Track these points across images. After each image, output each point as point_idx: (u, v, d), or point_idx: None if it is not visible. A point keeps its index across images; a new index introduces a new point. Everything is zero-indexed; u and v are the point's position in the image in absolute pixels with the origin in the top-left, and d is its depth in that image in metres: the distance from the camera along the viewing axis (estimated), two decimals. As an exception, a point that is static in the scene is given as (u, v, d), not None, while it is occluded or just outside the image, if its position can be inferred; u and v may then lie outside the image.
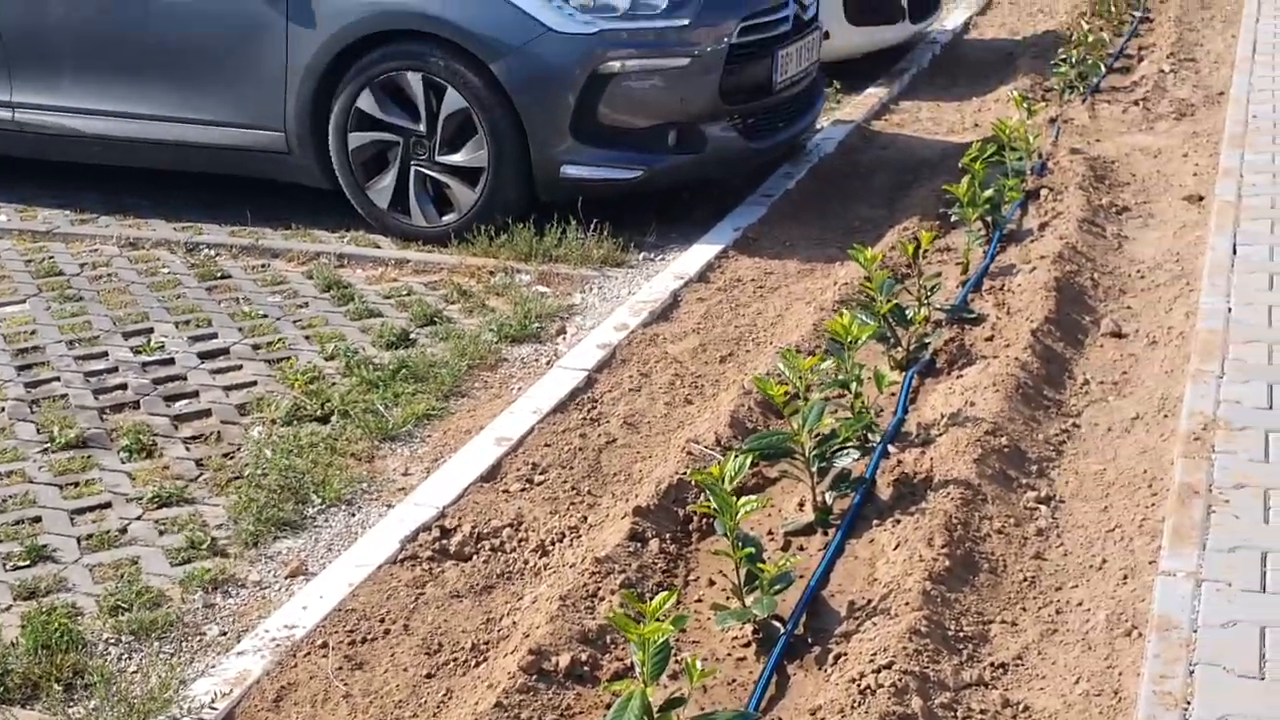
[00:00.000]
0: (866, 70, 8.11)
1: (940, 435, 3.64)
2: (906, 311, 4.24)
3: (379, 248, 5.47)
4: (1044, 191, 5.69)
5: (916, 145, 6.82)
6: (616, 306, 4.79)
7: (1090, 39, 7.72)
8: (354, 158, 5.47)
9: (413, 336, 4.60)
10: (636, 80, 5.30)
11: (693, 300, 4.84)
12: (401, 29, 5.31)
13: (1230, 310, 4.25)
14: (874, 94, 7.62)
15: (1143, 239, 5.28)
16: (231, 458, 3.84)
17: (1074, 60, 7.51)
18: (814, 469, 3.37)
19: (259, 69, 5.48)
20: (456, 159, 5.37)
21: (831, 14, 7.59)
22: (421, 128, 5.37)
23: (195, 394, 4.23)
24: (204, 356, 4.49)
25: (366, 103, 5.39)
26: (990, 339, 4.31)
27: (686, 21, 5.33)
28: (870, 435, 3.65)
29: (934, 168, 6.32)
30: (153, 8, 5.58)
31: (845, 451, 3.42)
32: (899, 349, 4.21)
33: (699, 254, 5.25)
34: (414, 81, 5.33)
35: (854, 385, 3.64)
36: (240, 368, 4.41)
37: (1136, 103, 7.05)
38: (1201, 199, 5.53)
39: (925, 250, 4.89)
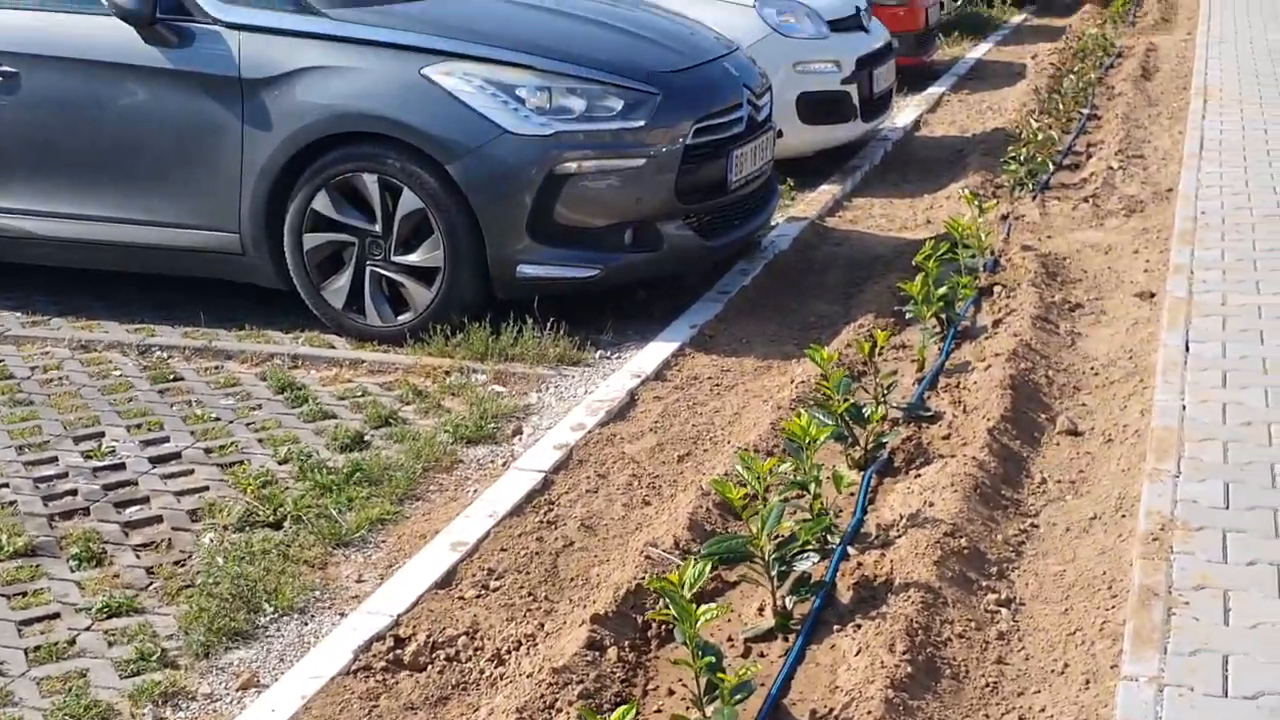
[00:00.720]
0: (820, 167, 8.20)
1: (900, 536, 3.62)
2: (863, 410, 4.24)
3: (334, 348, 5.43)
4: (997, 288, 5.74)
5: (870, 241, 6.88)
6: (573, 406, 4.77)
7: (1039, 137, 7.83)
8: (309, 258, 5.46)
9: (367, 439, 4.56)
10: (593, 180, 5.32)
11: (650, 399, 4.83)
12: (358, 131, 5.33)
13: (1185, 408, 4.27)
14: (828, 190, 7.69)
15: (1096, 335, 5.32)
16: (183, 565, 3.77)
17: (1023, 158, 7.62)
18: (774, 573, 3.34)
19: (214, 171, 5.47)
20: (412, 259, 5.36)
21: (785, 113, 7.68)
22: (377, 228, 5.37)
23: (146, 500, 4.16)
24: (155, 461, 4.43)
25: (322, 204, 5.38)
26: (947, 437, 4.32)
27: (642, 123, 5.37)
28: (830, 537, 3.64)
29: (888, 264, 6.37)
30: (107, 109, 5.57)
31: (805, 555, 3.39)
32: (857, 448, 4.20)
33: (656, 352, 5.25)
34: (370, 183, 5.33)
35: (813, 486, 3.62)
36: (192, 472, 4.35)
37: (1086, 199, 7.14)
38: (1153, 295, 5.58)
39: (881, 348, 4.91)
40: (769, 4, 7.79)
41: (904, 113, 9.91)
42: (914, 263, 5.41)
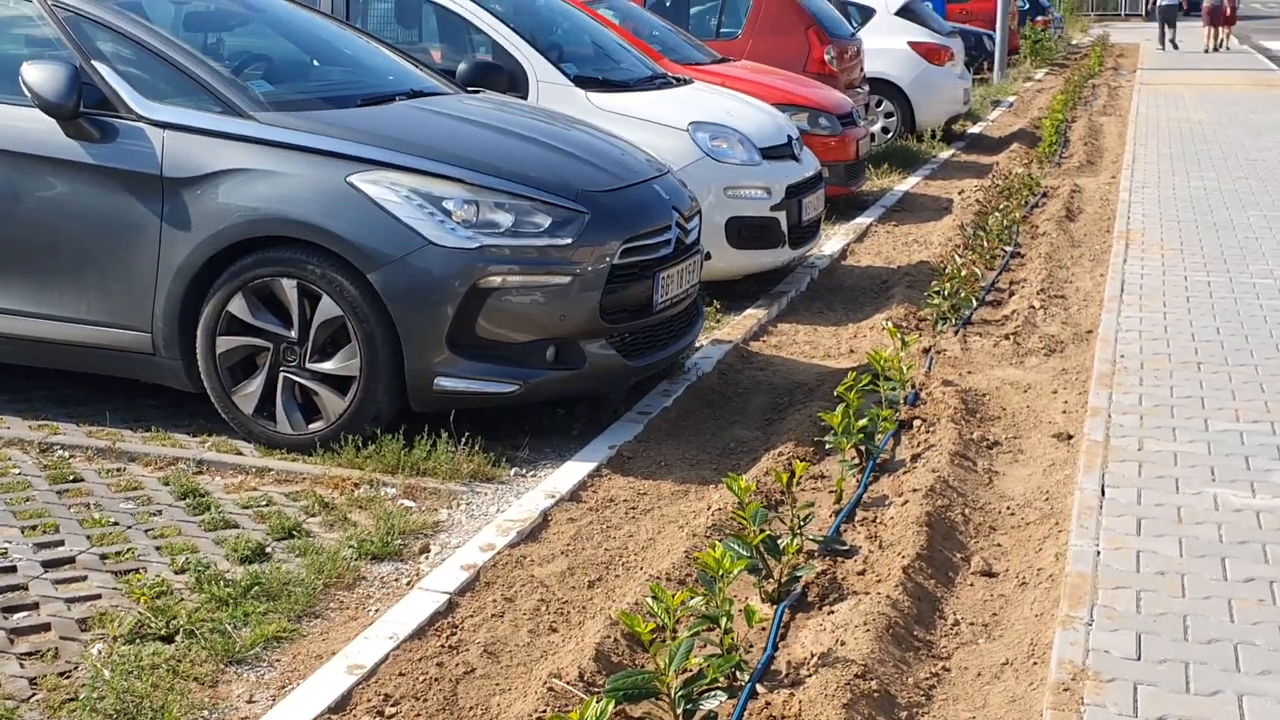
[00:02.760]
0: (747, 290, 8.22)
1: (810, 676, 3.54)
2: (779, 542, 4.18)
3: (241, 454, 5.30)
4: (917, 422, 5.73)
5: (793, 368, 6.87)
6: (484, 524, 4.67)
7: (963, 273, 7.91)
8: (221, 362, 5.34)
9: (269, 550, 4.43)
10: (517, 296, 5.27)
11: (563, 520, 4.74)
12: (280, 236, 5.25)
13: (1099, 554, 4.25)
14: (753, 315, 7.70)
15: (1013, 475, 5.31)
16: (68, 677, 3.61)
17: (947, 293, 7.67)
18: (679, 711, 3.24)
19: (129, 268, 5.38)
20: (328, 367, 5.27)
21: (714, 237, 7.73)
22: (293, 334, 5.28)
23: (35, 606, 4.00)
24: (48, 565, 4.27)
25: (238, 307, 5.29)
26: (862, 573, 4.26)
27: (569, 240, 5.34)
28: (739, 674, 3.55)
29: (809, 392, 6.35)
30: (24, 201, 5.47)
31: (712, 693, 3.30)
32: (770, 581, 4.13)
33: (572, 471, 5.17)
34: (289, 288, 5.24)
35: (723, 620, 3.54)
36: (85, 578, 4.19)
37: (1007, 337, 7.19)
38: (1070, 437, 5.59)
39: (799, 478, 4.87)
40: (702, 129, 7.85)
41: (832, 241, 10.00)
42: (835, 393, 5.39)
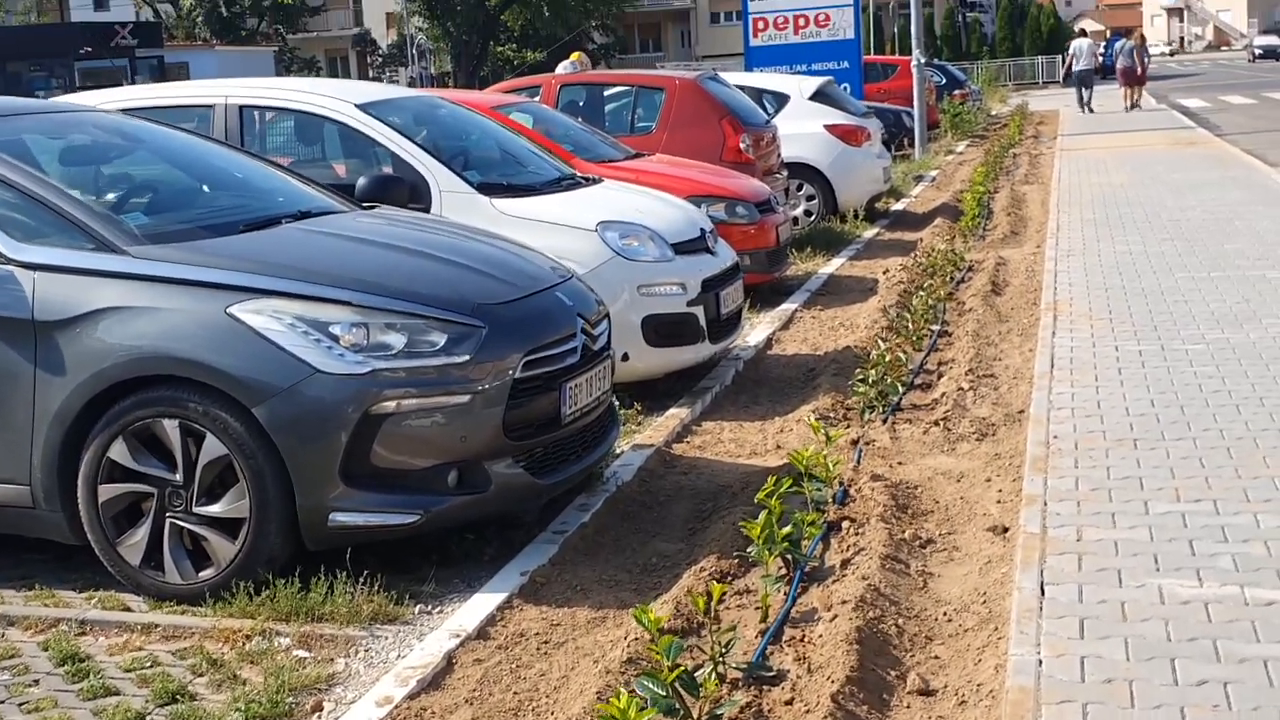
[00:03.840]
0: (670, 388, 7.97)
1: (733, 829, 3.23)
2: (698, 674, 3.87)
3: (129, 609, 4.95)
4: (846, 523, 5.46)
5: (718, 470, 6.60)
6: (383, 674, 4.33)
7: (887, 358, 7.68)
8: (104, 511, 5.01)
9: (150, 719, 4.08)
10: (413, 420, 4.99)
11: (469, 662, 4.41)
12: (159, 374, 4.94)
13: (1041, 663, 3.97)
14: (676, 415, 7.44)
15: (948, 575, 5.04)
16: None
17: (873, 379, 7.45)
18: None
19: (3, 419, 5.06)
20: (215, 510, 4.95)
21: (631, 337, 7.49)
22: (178, 477, 4.96)
23: (-117, 804, 3.63)
24: (-98, 754, 3.90)
25: (119, 452, 4.96)
26: (790, 702, 3.96)
27: (466, 358, 5.07)
28: (655, 833, 3.23)
29: (735, 496, 6.08)
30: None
31: None
32: None
33: (480, 605, 4.85)
34: (170, 429, 4.94)
35: (635, 777, 3.24)
36: (-57, 767, 3.82)
37: (937, 423, 6.96)
38: (1006, 530, 5.34)
39: (723, 594, 4.58)
40: (611, 228, 7.63)
41: (756, 330, 9.78)
42: (756, 499, 5.11)
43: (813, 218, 15.28)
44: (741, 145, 12.71)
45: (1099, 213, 14.52)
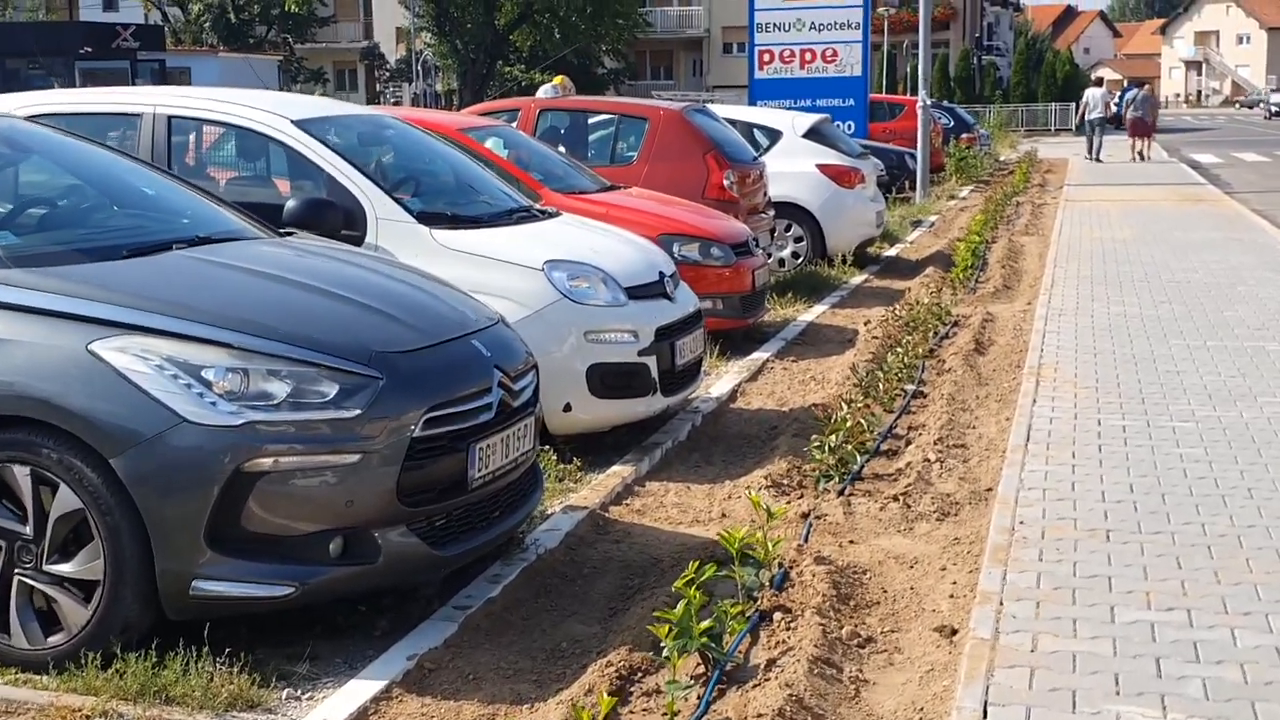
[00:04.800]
0: (619, 441, 7.45)
1: None
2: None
3: (-41, 676, 4.40)
4: (779, 614, 4.89)
5: (654, 539, 6.05)
6: (222, 780, 3.79)
7: (849, 423, 7.13)
8: (-55, 568, 4.47)
9: (-61, 824, 3.53)
10: (293, 480, 4.44)
11: (326, 769, 3.86)
12: (9, 414, 4.41)
13: (969, 813, 3.42)
14: (619, 473, 6.90)
15: (885, 684, 4.48)
16: None
17: (831, 446, 6.89)
18: None
19: None
20: (67, 569, 4.41)
21: (573, 387, 6.97)
22: (29, 530, 4.42)
23: None
24: None
25: (-38, 498, 4.43)
26: (677, 843, 3.41)
27: (357, 412, 4.52)
28: None
29: (665, 572, 5.52)
30: None
31: None
32: None
33: (354, 694, 4.30)
34: (21, 476, 4.41)
35: None
36: None
37: (897, 498, 6.40)
38: (955, 632, 4.79)
39: (628, 695, 4.04)
40: (559, 267, 7.09)
41: (722, 380, 9.24)
42: (674, 588, 4.57)
43: (800, 260, 14.75)
44: (725, 182, 12.20)
45: (1097, 269, 14.00)
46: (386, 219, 7.02)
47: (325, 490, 4.49)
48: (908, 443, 7.57)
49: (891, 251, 17.13)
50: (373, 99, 66.62)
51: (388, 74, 67.30)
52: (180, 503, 4.33)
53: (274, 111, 7.26)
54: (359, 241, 6.95)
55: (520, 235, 7.38)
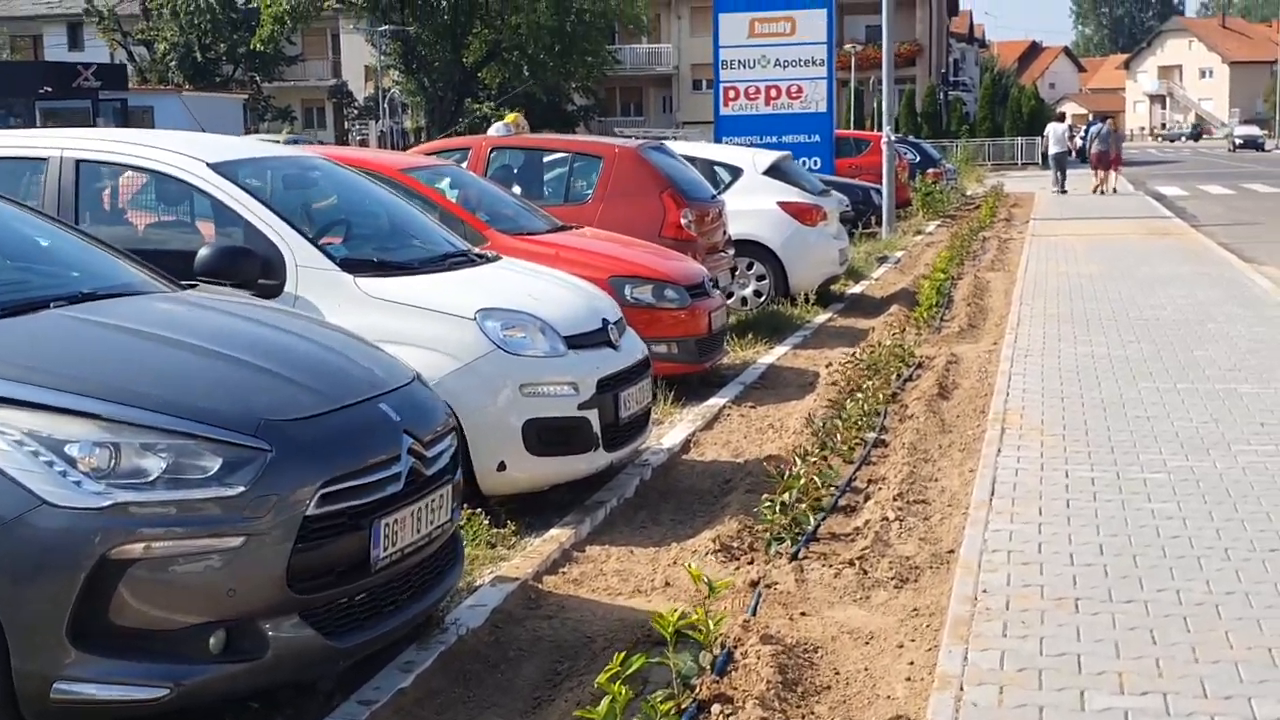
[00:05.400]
0: (560, 500, 7.00)
1: None
2: None
3: None
4: (717, 706, 4.43)
5: (590, 614, 5.59)
6: None
7: (802, 480, 6.69)
8: None
9: None
10: (167, 567, 3.98)
11: None
12: None
13: None
14: (556, 537, 6.44)
15: (831, 787, 4.04)
16: None
17: (784, 504, 6.45)
18: None
19: None
20: (-88, 669, 3.92)
21: (508, 443, 6.52)
22: None
23: None
24: None
25: None
26: None
27: (241, 489, 4.06)
28: None
29: (597, 655, 5.06)
30: None
31: None
32: None
33: (236, 810, 3.83)
34: None
35: None
36: None
37: (853, 562, 5.96)
38: (909, 724, 4.35)
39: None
40: (493, 316, 6.65)
41: (675, 430, 8.80)
42: (597, 683, 4.11)
43: (762, 299, 14.36)
44: (683, 221, 11.81)
45: (1063, 307, 13.64)
46: (307, 267, 6.57)
47: (204, 578, 4.03)
48: (867, 497, 7.14)
49: (856, 289, 16.75)
50: (341, 137, 66.22)
51: (356, 112, 66.89)
52: (39, 595, 3.86)
53: (188, 154, 6.82)
54: (278, 291, 6.51)
55: (453, 282, 6.94)
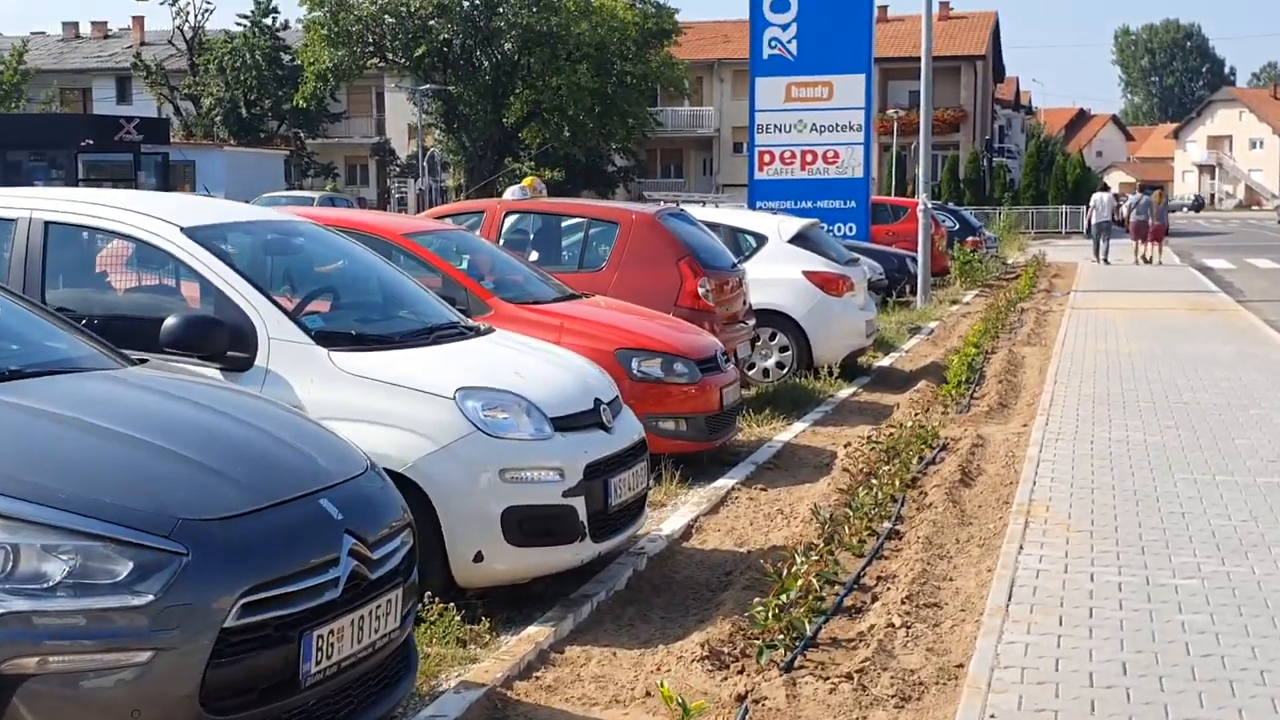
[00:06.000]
0: (544, 592, 6.55)
1: None
2: None
3: None
4: None
5: (560, 727, 5.13)
6: None
7: (799, 581, 6.20)
8: None
9: None
10: (66, 685, 3.57)
11: None
12: None
13: None
14: (533, 635, 5.98)
15: None
16: None
17: (779, 608, 5.97)
18: None
19: None
20: None
21: (486, 533, 6.09)
22: None
23: None
24: None
25: None
26: None
27: (150, 598, 3.65)
28: None
29: (560, 779, 4.61)
30: None
31: None
32: None
33: None
34: None
35: None
36: None
37: (851, 675, 5.46)
38: None
39: None
40: (474, 395, 6.23)
41: (678, 513, 8.35)
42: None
43: (785, 371, 13.92)
44: (700, 290, 11.41)
45: (1099, 387, 13.11)
46: (280, 339, 6.19)
47: (107, 696, 3.62)
48: (874, 598, 6.64)
49: (885, 361, 16.26)
50: (383, 194, 66.44)
51: (398, 169, 67.13)
52: (-86, 715, 3.46)
53: (161, 218, 6.46)
54: (248, 364, 6.13)
55: (435, 357, 6.53)
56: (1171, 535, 7.48)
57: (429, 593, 5.83)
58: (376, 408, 6.05)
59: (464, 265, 9.74)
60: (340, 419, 5.94)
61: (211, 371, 6.05)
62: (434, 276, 9.10)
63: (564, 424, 6.46)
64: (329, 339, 6.32)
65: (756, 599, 6.15)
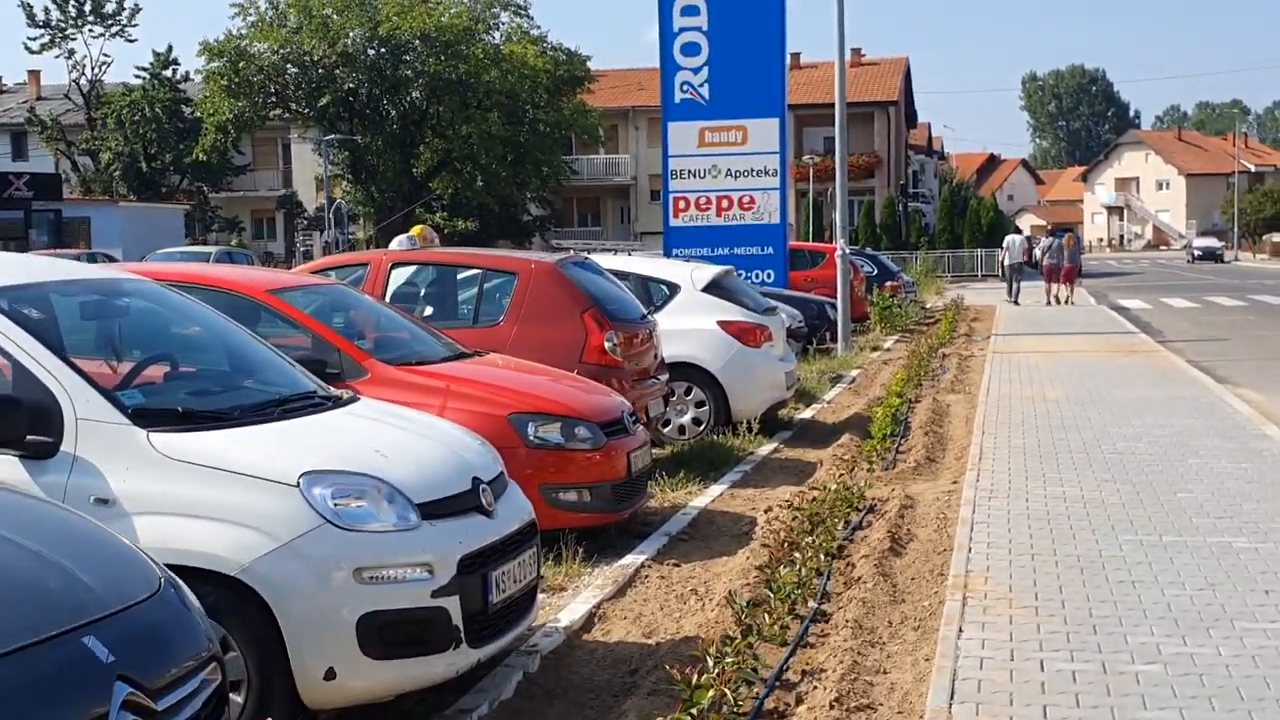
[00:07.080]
0: (413, 708, 5.61)
1: None
2: None
3: None
4: None
5: None
6: None
7: (710, 694, 5.31)
8: None
9: None
10: None
11: None
12: None
13: None
14: (399, 766, 5.05)
15: None
16: None
17: (697, 714, 5.08)
18: None
19: None
20: None
21: (339, 644, 5.15)
22: None
23: None
24: None
25: None
26: None
27: None
28: None
29: None
30: None
31: None
32: None
33: None
34: None
35: None
36: None
37: (771, 809, 4.59)
38: None
39: None
40: (322, 481, 5.28)
41: (578, 600, 7.44)
42: None
43: (702, 427, 13.07)
44: (606, 344, 10.56)
45: (1030, 438, 12.40)
46: (90, 419, 5.23)
47: None
48: (799, 699, 5.76)
49: (806, 413, 15.46)
50: (290, 247, 65.09)
51: (305, 222, 65.82)
52: None
53: (-46, 279, 5.50)
54: (52, 450, 5.17)
55: (279, 436, 5.59)
56: (1124, 610, 6.70)
57: (269, 719, 4.89)
58: (205, 499, 5.11)
59: (339, 324, 8.82)
60: (161, 513, 5.08)
61: (8, 460, 5.09)
62: (302, 336, 8.19)
63: (434, 510, 5.53)
64: (150, 417, 5.36)
65: (660, 718, 5.24)
